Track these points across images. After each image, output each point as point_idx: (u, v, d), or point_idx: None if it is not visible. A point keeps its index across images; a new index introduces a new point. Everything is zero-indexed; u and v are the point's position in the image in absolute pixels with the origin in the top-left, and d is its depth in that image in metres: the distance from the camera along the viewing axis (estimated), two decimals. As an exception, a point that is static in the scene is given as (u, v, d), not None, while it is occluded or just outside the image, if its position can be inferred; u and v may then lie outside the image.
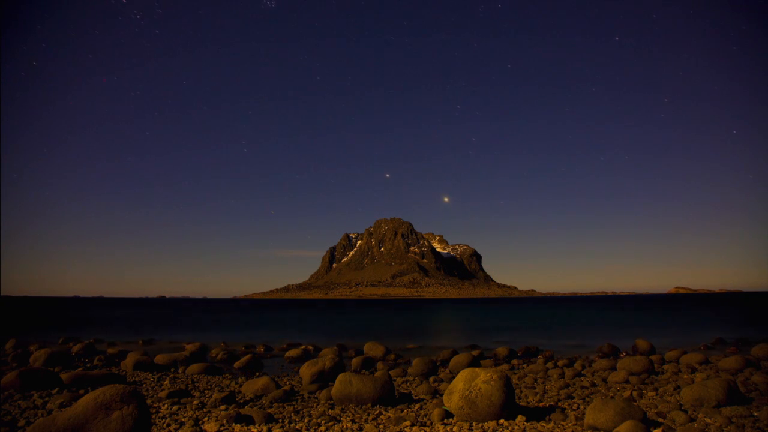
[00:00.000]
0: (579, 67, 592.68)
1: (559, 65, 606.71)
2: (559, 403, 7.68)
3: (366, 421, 6.55)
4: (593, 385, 9.74)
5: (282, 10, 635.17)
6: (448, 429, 5.94)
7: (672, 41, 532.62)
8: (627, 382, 9.90)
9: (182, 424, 6.46)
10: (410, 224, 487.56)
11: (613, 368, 11.60)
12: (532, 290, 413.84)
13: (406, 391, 9.00)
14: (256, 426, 6.21)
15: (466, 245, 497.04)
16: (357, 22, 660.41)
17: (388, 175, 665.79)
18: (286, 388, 9.07)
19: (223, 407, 7.58)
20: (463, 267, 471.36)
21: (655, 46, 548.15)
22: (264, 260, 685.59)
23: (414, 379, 11.12)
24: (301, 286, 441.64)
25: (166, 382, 10.51)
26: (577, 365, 12.70)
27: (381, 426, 6.22)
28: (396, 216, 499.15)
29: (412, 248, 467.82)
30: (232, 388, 9.81)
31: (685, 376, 10.35)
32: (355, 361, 13.66)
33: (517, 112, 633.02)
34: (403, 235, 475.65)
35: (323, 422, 6.43)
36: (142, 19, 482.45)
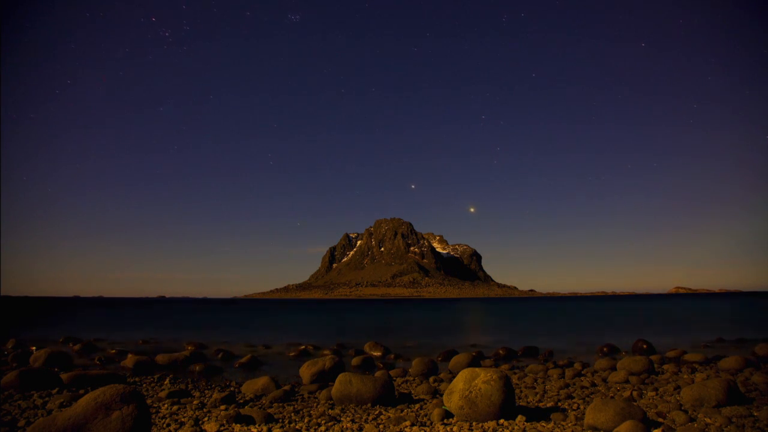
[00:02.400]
0: (605, 74, 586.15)
1: (585, 73, 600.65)
2: (559, 403, 7.68)
3: (366, 421, 6.55)
4: (593, 385, 9.73)
5: (306, 24, 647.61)
6: (448, 429, 5.94)
7: (700, 46, 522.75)
8: (627, 382, 9.90)
9: (182, 424, 6.46)
10: (410, 224, 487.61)
11: (613, 368, 11.60)
12: (532, 290, 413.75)
13: (406, 391, 9.00)
14: (256, 426, 6.21)
15: (466, 245, 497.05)
16: (380, 32, 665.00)
17: (413, 186, 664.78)
18: (286, 388, 9.07)
19: (223, 407, 7.58)
20: (463, 267, 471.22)
21: (682, 51, 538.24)
22: (264, 260, 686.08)
23: (414, 379, 11.12)
24: (301, 286, 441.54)
25: (166, 382, 10.51)
26: (577, 365, 12.70)
27: (381, 426, 6.22)
28: (396, 216, 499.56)
29: (412, 248, 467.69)
30: (232, 388, 9.81)
31: (685, 376, 10.34)
32: (355, 361, 13.67)
33: (541, 121, 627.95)
34: (403, 235, 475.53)
35: (323, 422, 6.43)
36: (170, 36, 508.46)
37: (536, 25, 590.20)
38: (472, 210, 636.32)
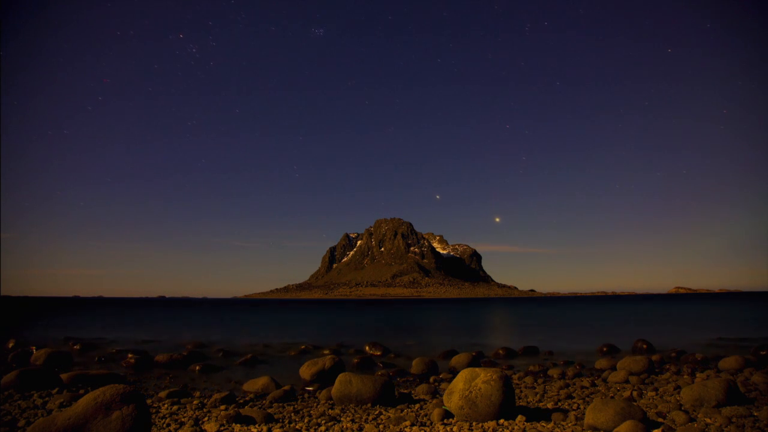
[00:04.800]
0: (630, 81, 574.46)
1: (609, 81, 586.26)
2: (559, 403, 7.68)
3: (366, 421, 6.55)
4: (593, 385, 9.74)
5: (330, 38, 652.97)
6: (448, 429, 5.94)
7: (727, 51, 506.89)
8: (627, 382, 9.90)
9: (182, 424, 6.46)
10: (410, 224, 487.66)
11: (613, 368, 11.60)
12: (532, 290, 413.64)
13: (406, 391, 9.00)
14: (256, 426, 6.21)
15: (466, 245, 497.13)
16: (403, 44, 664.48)
17: (438, 196, 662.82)
18: (286, 387, 9.07)
19: (223, 407, 7.58)
20: (463, 267, 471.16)
21: (710, 56, 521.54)
22: (264, 260, 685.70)
23: (414, 379, 11.12)
24: (301, 286, 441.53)
25: (166, 382, 10.52)
26: (577, 365, 12.71)
27: (381, 426, 6.22)
28: (396, 216, 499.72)
29: (412, 248, 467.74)
30: (232, 388, 9.82)
31: (685, 376, 10.35)
32: (355, 361, 13.67)
33: (565, 130, 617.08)
34: (403, 235, 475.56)
35: (323, 422, 6.43)
36: (197, 52, 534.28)
37: (559, 34, 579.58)
38: (497, 220, 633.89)
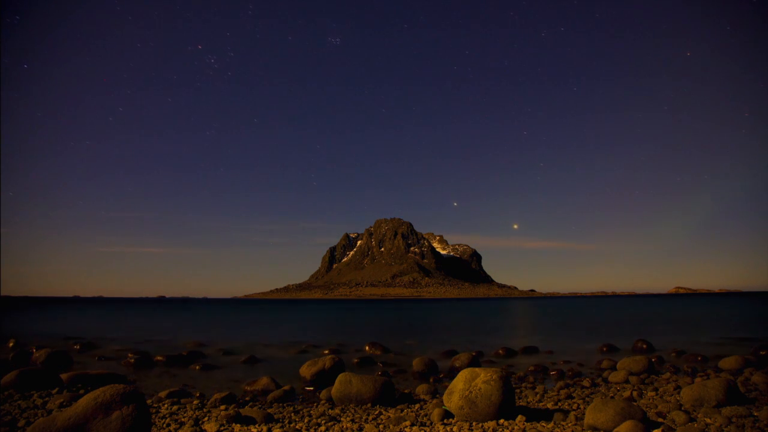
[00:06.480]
0: (649, 85, 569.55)
1: (627, 85, 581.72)
2: (559, 403, 7.67)
3: (366, 421, 6.55)
4: (593, 384, 9.74)
5: (347, 47, 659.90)
6: (448, 429, 5.93)
7: (748, 53, 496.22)
8: (627, 382, 9.90)
9: (182, 424, 6.46)
10: (410, 224, 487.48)
11: (613, 368, 11.61)
12: (532, 290, 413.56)
13: (406, 391, 9.00)
14: (256, 426, 6.21)
15: (466, 245, 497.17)
16: (420, 52, 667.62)
17: (455, 203, 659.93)
18: (286, 388, 9.07)
19: (223, 407, 7.58)
20: (464, 267, 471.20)
21: (731, 60, 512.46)
22: (264, 260, 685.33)
23: (414, 379, 11.12)
24: (301, 286, 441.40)
25: (166, 382, 10.52)
26: (577, 364, 12.71)
27: (381, 426, 6.22)
28: (396, 216, 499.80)
29: (412, 248, 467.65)
30: (232, 388, 9.81)
31: (685, 376, 10.35)
32: (355, 361, 13.67)
33: (584, 137, 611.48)
34: (403, 235, 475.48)
35: (323, 422, 6.43)
36: (216, 62, 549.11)
37: (576, 39, 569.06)
38: (515, 227, 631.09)
